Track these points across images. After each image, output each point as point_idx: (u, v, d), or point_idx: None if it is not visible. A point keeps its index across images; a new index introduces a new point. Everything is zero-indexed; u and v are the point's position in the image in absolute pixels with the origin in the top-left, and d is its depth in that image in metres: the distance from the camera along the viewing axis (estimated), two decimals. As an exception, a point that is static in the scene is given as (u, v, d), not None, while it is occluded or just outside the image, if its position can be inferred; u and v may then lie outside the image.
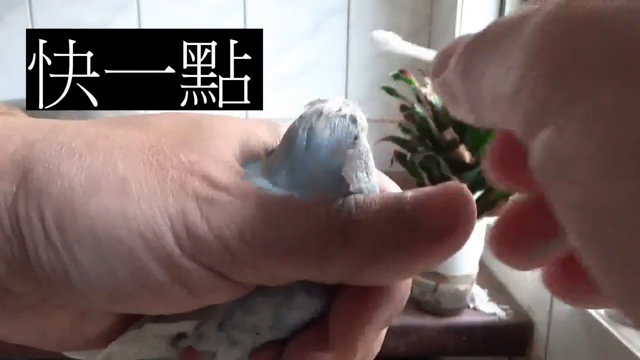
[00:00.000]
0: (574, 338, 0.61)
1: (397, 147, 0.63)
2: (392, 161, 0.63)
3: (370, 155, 0.16)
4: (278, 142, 0.17)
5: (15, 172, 0.15)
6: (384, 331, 0.19)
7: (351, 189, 0.15)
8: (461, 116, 0.15)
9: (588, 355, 0.59)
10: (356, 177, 0.16)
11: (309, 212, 0.15)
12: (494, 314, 0.68)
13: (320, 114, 0.17)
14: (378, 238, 0.15)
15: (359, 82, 1.11)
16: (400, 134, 0.64)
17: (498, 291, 0.74)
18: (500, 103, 0.12)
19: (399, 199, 0.15)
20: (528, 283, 0.68)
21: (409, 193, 0.15)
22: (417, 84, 0.60)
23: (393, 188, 0.18)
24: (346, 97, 1.13)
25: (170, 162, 0.16)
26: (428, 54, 0.16)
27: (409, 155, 0.61)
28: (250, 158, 0.17)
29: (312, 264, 0.15)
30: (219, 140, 0.17)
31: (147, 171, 0.15)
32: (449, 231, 0.15)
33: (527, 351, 0.69)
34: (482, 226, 0.61)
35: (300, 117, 0.17)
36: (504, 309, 0.68)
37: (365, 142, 0.16)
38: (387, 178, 0.18)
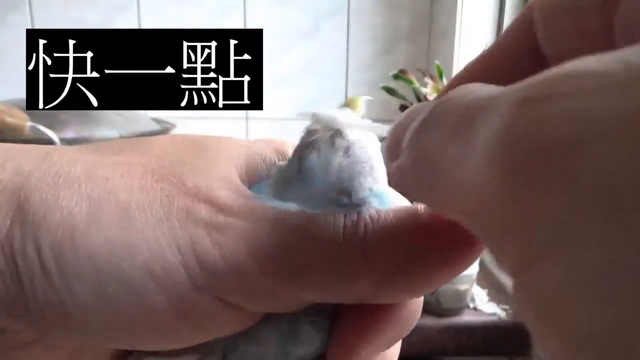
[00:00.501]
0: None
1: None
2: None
3: (376, 160, 0.16)
4: (283, 162, 0.17)
5: (9, 203, 0.14)
6: (397, 347, 0.19)
7: (357, 196, 0.15)
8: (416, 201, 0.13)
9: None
10: (359, 183, 0.15)
11: (325, 232, 0.15)
12: (494, 314, 0.68)
13: (311, 139, 0.16)
14: (398, 255, 0.15)
15: (359, 82, 1.11)
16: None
17: (498, 291, 0.74)
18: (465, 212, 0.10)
19: (414, 213, 0.15)
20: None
21: (422, 206, 0.15)
22: (417, 84, 0.60)
23: (399, 199, 0.18)
24: (346, 97, 1.13)
25: (175, 188, 0.15)
26: (378, 128, 0.15)
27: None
28: (255, 179, 0.17)
29: (335, 286, 0.15)
30: (224, 162, 0.16)
31: (151, 199, 0.14)
32: (468, 244, 0.15)
33: (527, 351, 0.69)
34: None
35: (301, 142, 0.17)
36: (504, 309, 0.68)
37: (364, 147, 0.16)
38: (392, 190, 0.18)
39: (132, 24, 1.06)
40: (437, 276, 0.15)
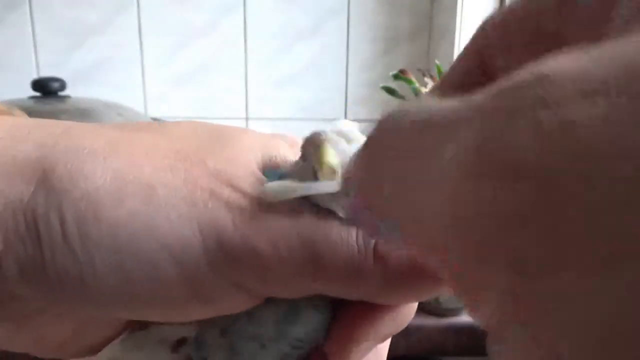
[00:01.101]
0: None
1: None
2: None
3: None
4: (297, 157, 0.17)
5: (33, 172, 0.14)
6: (387, 344, 0.19)
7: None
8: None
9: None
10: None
11: (343, 233, 0.15)
12: (494, 314, 0.68)
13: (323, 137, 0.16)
14: (403, 264, 0.15)
15: (359, 82, 1.11)
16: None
17: (498, 291, 0.74)
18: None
19: None
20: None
21: None
22: (417, 84, 0.60)
23: None
24: (346, 97, 1.13)
25: (198, 168, 0.15)
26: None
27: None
28: (270, 172, 0.17)
29: (345, 285, 0.15)
30: (243, 150, 0.16)
31: (174, 178, 0.15)
32: None
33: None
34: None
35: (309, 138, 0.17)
36: (504, 309, 0.68)
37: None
38: None
39: (132, 24, 1.06)
40: (437, 285, 0.15)
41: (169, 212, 0.14)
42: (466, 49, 0.15)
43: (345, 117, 1.13)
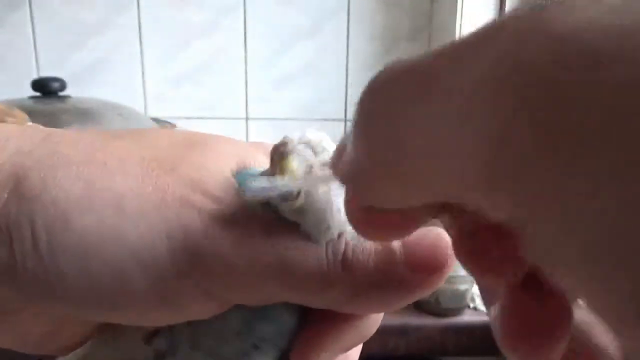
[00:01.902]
0: (574, 338, 0.61)
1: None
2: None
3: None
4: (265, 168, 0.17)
5: (8, 179, 0.14)
6: (358, 350, 0.19)
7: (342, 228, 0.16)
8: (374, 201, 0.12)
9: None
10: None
11: (312, 243, 0.15)
12: (494, 314, 0.68)
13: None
14: (372, 275, 0.15)
15: (359, 82, 1.11)
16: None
17: (498, 291, 0.74)
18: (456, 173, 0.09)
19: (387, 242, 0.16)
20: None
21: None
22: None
23: None
24: (346, 97, 1.13)
25: (169, 176, 0.15)
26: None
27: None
28: (241, 173, 0.17)
29: (312, 293, 0.15)
30: (217, 157, 0.16)
31: (145, 185, 0.15)
32: (434, 274, 0.16)
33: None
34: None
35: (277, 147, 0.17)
36: (504, 309, 0.68)
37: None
38: None
39: (132, 24, 1.06)
40: (404, 297, 0.16)
41: (138, 221, 0.14)
42: None
43: (345, 117, 1.13)
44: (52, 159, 0.15)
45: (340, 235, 0.16)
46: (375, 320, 0.18)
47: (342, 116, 1.13)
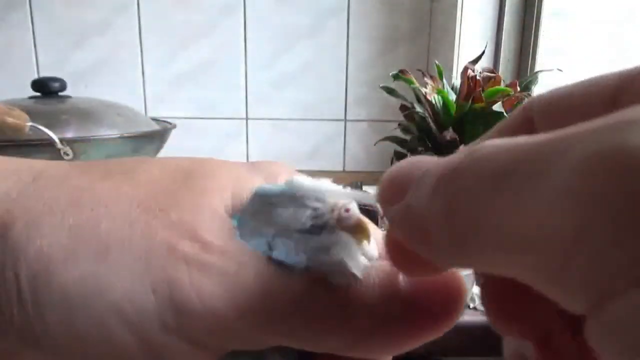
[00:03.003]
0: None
1: (397, 147, 0.63)
2: (392, 161, 0.63)
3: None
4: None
5: None
6: None
7: (351, 271, 0.15)
8: (428, 253, 0.12)
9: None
10: (349, 260, 0.15)
11: (308, 288, 0.15)
12: (494, 314, 0.68)
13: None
14: (374, 318, 0.15)
15: (359, 82, 1.11)
16: (400, 134, 0.64)
17: (498, 291, 0.74)
18: (525, 250, 0.09)
19: (393, 278, 0.15)
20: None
21: (402, 277, 0.15)
22: (417, 84, 0.60)
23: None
24: (346, 97, 1.13)
25: (159, 222, 0.14)
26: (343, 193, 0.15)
27: (408, 155, 0.61)
28: (240, 209, 0.16)
29: (309, 339, 0.15)
30: (213, 193, 0.16)
31: (132, 233, 0.14)
32: (443, 317, 0.15)
33: (527, 351, 0.69)
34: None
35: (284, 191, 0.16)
36: (504, 309, 0.68)
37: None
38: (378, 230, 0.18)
39: (132, 24, 1.06)
40: (409, 341, 0.15)
41: (122, 272, 0.14)
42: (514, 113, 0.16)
43: (345, 117, 1.13)
44: (38, 205, 0.14)
45: (339, 279, 0.15)
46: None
47: (342, 116, 1.13)
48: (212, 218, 0.15)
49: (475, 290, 0.71)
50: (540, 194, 0.09)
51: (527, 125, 0.15)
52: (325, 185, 0.15)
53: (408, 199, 0.12)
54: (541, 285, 0.09)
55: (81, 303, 0.14)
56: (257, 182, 0.17)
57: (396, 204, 0.13)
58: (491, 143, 0.10)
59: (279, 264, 0.15)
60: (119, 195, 0.15)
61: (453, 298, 0.15)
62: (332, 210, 0.15)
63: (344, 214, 0.15)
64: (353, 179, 1.06)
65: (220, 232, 0.15)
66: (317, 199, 0.15)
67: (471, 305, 0.70)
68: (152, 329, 0.14)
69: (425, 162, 0.12)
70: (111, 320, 0.14)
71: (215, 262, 0.14)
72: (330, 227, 0.15)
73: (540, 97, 0.15)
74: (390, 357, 0.17)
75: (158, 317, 0.14)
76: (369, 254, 0.15)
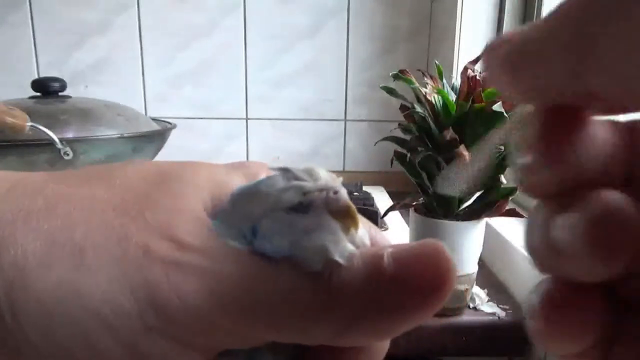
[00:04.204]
0: (573, 338, 0.61)
1: (397, 147, 0.63)
2: (392, 161, 0.63)
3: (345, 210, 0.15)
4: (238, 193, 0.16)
5: None
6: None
7: (333, 257, 0.14)
8: (546, 79, 0.12)
9: (588, 355, 0.59)
10: (333, 246, 0.14)
11: (291, 277, 0.14)
12: (494, 314, 0.68)
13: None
14: (361, 302, 0.14)
15: (359, 82, 1.11)
16: (400, 134, 0.64)
17: (498, 291, 0.74)
18: None
19: (378, 259, 0.14)
20: (528, 283, 0.68)
21: (389, 251, 0.15)
22: (417, 84, 0.60)
23: (379, 238, 0.17)
24: (346, 97, 1.13)
25: (135, 224, 0.14)
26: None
27: (408, 155, 0.61)
28: (219, 208, 0.16)
29: (297, 330, 0.14)
30: (188, 195, 0.15)
31: (108, 237, 0.14)
32: (432, 293, 0.14)
33: (527, 351, 0.69)
34: (482, 226, 0.61)
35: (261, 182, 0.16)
36: (504, 309, 0.68)
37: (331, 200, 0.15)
38: (365, 221, 0.17)
39: (132, 24, 1.06)
40: (400, 323, 0.14)
41: (99, 277, 0.14)
42: None
43: (345, 117, 1.13)
44: (13, 213, 0.14)
45: (320, 263, 0.14)
46: (381, 346, 0.17)
47: (342, 116, 1.13)
48: (188, 218, 0.15)
49: (475, 290, 0.71)
50: None
51: None
52: (318, 167, 0.15)
53: (523, 32, 0.12)
54: None
55: (60, 310, 0.13)
56: (237, 183, 0.16)
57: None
58: None
59: (261, 256, 0.14)
60: (94, 199, 0.15)
61: (441, 273, 0.14)
62: (321, 190, 0.15)
63: (332, 196, 0.15)
64: (353, 179, 1.06)
65: (198, 232, 0.15)
66: (309, 174, 0.15)
67: (471, 305, 0.70)
68: (135, 332, 0.14)
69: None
70: (91, 325, 0.13)
71: (192, 261, 0.14)
72: (317, 207, 0.15)
73: None
74: (386, 342, 0.17)
75: (140, 319, 0.14)
76: (358, 242, 0.15)
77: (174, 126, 0.84)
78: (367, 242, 0.16)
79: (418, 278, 0.14)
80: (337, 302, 0.14)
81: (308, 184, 0.15)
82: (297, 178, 0.15)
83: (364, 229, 0.16)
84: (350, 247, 0.15)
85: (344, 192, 0.15)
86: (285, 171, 0.15)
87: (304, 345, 0.16)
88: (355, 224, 0.15)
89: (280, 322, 0.14)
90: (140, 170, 0.16)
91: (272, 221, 0.15)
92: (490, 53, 0.13)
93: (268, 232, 0.15)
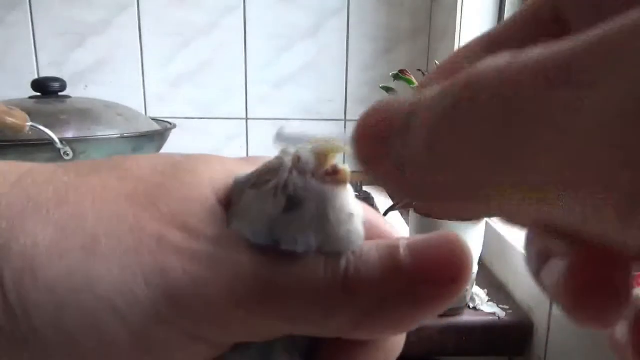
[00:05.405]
0: (573, 338, 0.61)
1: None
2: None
3: (345, 202, 0.15)
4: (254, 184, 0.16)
5: None
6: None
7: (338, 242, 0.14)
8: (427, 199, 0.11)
9: (587, 356, 0.59)
10: (333, 227, 0.14)
11: (307, 267, 0.14)
12: (494, 314, 0.68)
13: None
14: (378, 293, 0.14)
15: (359, 82, 1.11)
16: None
17: (498, 291, 0.74)
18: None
19: (394, 250, 0.14)
20: (528, 283, 0.68)
21: (404, 242, 0.14)
22: (417, 84, 0.60)
23: (380, 221, 0.17)
24: (346, 97, 1.13)
25: (148, 213, 0.14)
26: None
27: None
28: (233, 201, 0.16)
29: (313, 321, 0.14)
30: (202, 185, 0.15)
31: (121, 226, 0.14)
32: (450, 284, 0.14)
33: (527, 351, 0.69)
34: (482, 226, 0.62)
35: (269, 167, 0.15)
36: (504, 309, 0.68)
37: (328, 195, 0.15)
38: (372, 211, 0.17)
39: (132, 24, 1.06)
40: (417, 315, 0.14)
41: (111, 265, 0.13)
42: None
43: (345, 117, 1.13)
44: (23, 203, 0.14)
45: (341, 254, 0.14)
46: (396, 343, 0.16)
47: (342, 116, 1.13)
48: (202, 208, 0.15)
49: (475, 290, 0.71)
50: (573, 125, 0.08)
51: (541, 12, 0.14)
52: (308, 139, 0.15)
53: (397, 149, 0.11)
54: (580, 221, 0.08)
55: (70, 299, 0.13)
56: (249, 171, 0.16)
57: (378, 155, 0.11)
58: (492, 66, 0.09)
59: (274, 246, 0.14)
60: (106, 189, 0.15)
61: (459, 262, 0.14)
62: (299, 172, 0.15)
63: (305, 167, 0.15)
64: (353, 179, 1.06)
65: (211, 221, 0.14)
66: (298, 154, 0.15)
67: (471, 305, 0.70)
68: (147, 321, 0.13)
69: (404, 100, 0.11)
70: (102, 314, 0.13)
71: (207, 250, 0.14)
72: (304, 198, 0.14)
73: None
74: (401, 339, 0.16)
75: (152, 308, 0.13)
76: (349, 209, 0.15)
77: (174, 126, 0.84)
78: (361, 211, 0.15)
79: (435, 268, 0.14)
80: (354, 293, 0.14)
81: (303, 152, 0.15)
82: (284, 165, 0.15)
83: (360, 209, 0.15)
84: (359, 228, 0.15)
85: (346, 167, 0.15)
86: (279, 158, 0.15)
87: (318, 343, 0.16)
88: (325, 155, 0.15)
89: (295, 312, 0.14)
90: (152, 161, 0.16)
91: (273, 222, 0.15)
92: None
93: (274, 231, 0.15)
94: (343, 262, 0.14)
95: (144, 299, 0.13)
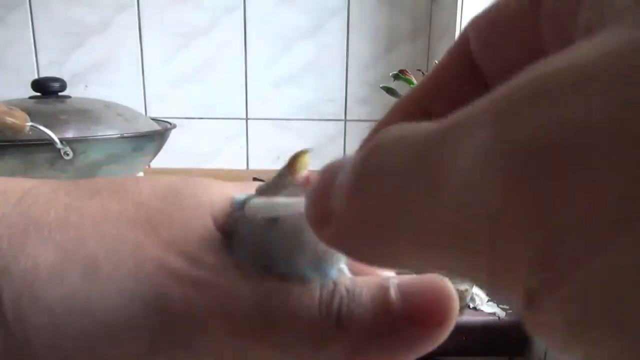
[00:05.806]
0: (574, 338, 0.61)
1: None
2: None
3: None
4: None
5: None
6: None
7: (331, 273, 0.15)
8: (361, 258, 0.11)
9: (588, 355, 0.59)
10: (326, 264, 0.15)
11: (303, 300, 0.14)
12: (494, 314, 0.68)
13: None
14: (369, 331, 0.14)
15: (359, 82, 1.11)
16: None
17: (498, 291, 0.74)
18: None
19: (385, 292, 0.15)
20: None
21: (394, 282, 0.15)
22: (417, 84, 0.61)
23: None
24: (346, 97, 1.13)
25: (149, 239, 0.14)
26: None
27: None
28: (231, 227, 0.16)
29: (306, 352, 0.14)
30: (202, 211, 0.15)
31: (121, 250, 0.14)
32: (437, 327, 0.15)
33: (527, 351, 0.69)
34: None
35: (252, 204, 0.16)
36: (504, 309, 0.68)
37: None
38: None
39: (132, 24, 1.06)
40: (405, 354, 0.15)
41: (110, 289, 0.13)
42: (453, 51, 0.15)
43: (345, 117, 1.13)
44: (25, 224, 0.14)
45: (334, 289, 0.15)
46: None
47: (342, 116, 1.13)
48: (202, 235, 0.15)
49: (475, 290, 0.71)
50: (444, 185, 0.08)
51: (464, 47, 0.15)
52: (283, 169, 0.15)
53: (332, 204, 0.11)
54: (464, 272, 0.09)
55: (68, 321, 0.13)
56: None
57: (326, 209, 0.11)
58: (394, 135, 0.10)
59: (275, 274, 0.15)
60: (108, 213, 0.15)
61: (446, 310, 0.15)
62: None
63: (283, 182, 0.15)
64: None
65: (210, 249, 0.15)
66: (275, 185, 0.15)
67: (471, 305, 0.70)
68: (144, 346, 0.13)
69: (346, 161, 0.11)
70: (99, 339, 0.13)
71: (205, 277, 0.14)
72: (284, 219, 0.14)
73: (474, 18, 0.15)
74: None
75: (149, 333, 0.13)
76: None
77: (174, 126, 0.84)
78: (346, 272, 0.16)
79: (424, 312, 0.14)
80: (346, 330, 0.14)
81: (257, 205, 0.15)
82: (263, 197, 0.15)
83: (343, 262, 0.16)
84: (344, 269, 0.15)
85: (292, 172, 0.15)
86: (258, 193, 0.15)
87: None
88: (294, 169, 0.15)
89: (288, 344, 0.14)
90: (153, 185, 0.16)
91: (258, 246, 0.15)
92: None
93: (261, 255, 0.15)
94: (337, 298, 0.14)
95: (141, 324, 0.13)
